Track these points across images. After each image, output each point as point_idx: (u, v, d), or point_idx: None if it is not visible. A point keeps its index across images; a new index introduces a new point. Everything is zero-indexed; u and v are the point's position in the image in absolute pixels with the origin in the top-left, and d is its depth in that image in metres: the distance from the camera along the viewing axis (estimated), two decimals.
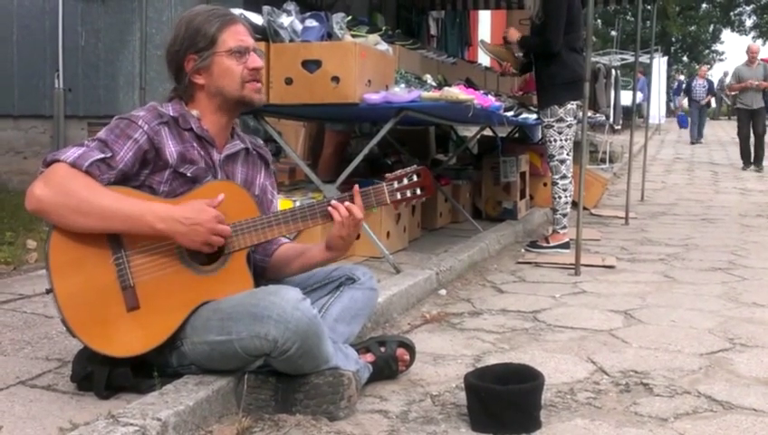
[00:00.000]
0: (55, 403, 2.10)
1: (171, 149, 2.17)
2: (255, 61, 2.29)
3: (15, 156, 7.89)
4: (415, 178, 2.32)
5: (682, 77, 30.19)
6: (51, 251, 2.06)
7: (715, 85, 21.78)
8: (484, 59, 9.55)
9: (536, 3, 5.07)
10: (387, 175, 2.33)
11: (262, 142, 2.57)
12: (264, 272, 2.45)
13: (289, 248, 2.45)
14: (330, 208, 2.25)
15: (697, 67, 39.03)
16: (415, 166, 2.36)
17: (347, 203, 2.26)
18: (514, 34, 5.34)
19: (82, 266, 2.06)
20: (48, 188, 2.01)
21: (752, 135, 12.88)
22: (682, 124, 22.68)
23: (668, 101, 32.06)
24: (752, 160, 12.96)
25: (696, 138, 19.19)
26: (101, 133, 2.12)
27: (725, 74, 13.91)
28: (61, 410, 2.04)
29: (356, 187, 2.31)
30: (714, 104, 23.89)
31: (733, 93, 13.70)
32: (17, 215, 5.15)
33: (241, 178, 2.38)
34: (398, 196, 2.32)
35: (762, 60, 13.21)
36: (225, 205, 2.18)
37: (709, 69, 23.82)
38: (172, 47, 2.27)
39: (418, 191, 2.33)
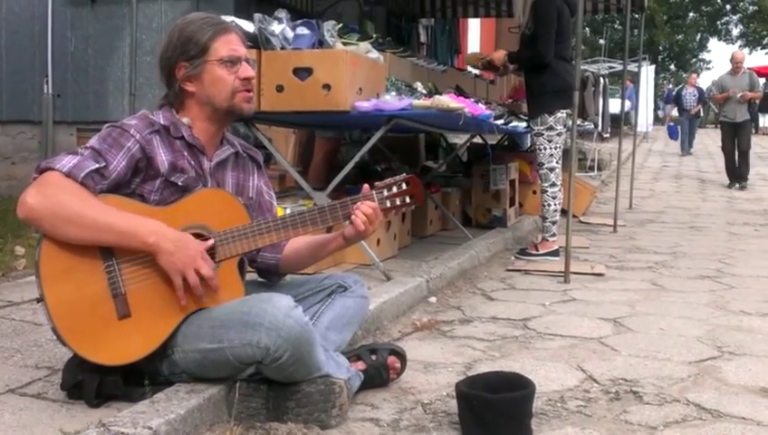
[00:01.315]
0: (45, 412, 2.09)
1: (162, 157, 2.17)
2: (247, 70, 2.28)
3: (3, 161, 7.86)
4: (404, 186, 2.33)
5: (671, 85, 29.49)
6: (41, 259, 2.04)
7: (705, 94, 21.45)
8: (472, 71, 9.58)
9: (526, 13, 5.10)
10: (376, 183, 2.34)
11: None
12: (277, 268, 2.46)
13: (298, 240, 2.44)
14: (355, 219, 2.26)
15: (685, 75, 38.99)
16: (404, 174, 2.37)
17: (363, 208, 2.27)
18: (499, 56, 5.37)
19: (73, 275, 2.05)
20: (41, 197, 2.00)
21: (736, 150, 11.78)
22: (672, 135, 20.76)
23: (656, 108, 32.08)
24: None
25: (687, 149, 18.36)
26: (94, 142, 2.11)
27: (714, 83, 12.68)
28: (51, 419, 2.03)
29: (366, 186, 2.33)
30: (702, 113, 23.10)
31: (716, 105, 12.55)
32: (5, 221, 5.13)
33: (232, 184, 2.37)
34: (388, 204, 2.32)
35: (749, 69, 12.47)
36: (214, 213, 2.18)
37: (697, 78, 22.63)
38: (165, 53, 2.27)
39: (408, 199, 2.34)
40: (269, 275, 2.49)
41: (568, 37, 5.13)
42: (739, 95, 11.35)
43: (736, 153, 11.69)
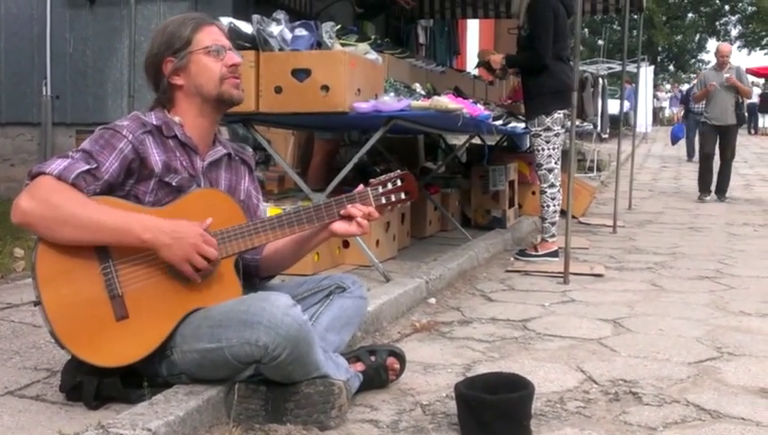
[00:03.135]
0: (44, 414, 2.09)
1: (156, 158, 2.17)
2: (233, 57, 2.30)
3: (2, 163, 7.86)
4: (399, 182, 2.34)
5: (685, 86, 27.09)
6: (37, 262, 2.05)
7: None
8: (472, 68, 9.58)
9: (523, 14, 5.09)
10: (371, 180, 2.35)
11: (251, 151, 2.58)
12: (258, 271, 2.44)
13: (278, 241, 2.42)
14: (357, 222, 2.26)
15: (684, 76, 38.66)
16: (398, 171, 2.37)
17: (359, 209, 2.27)
18: (497, 60, 5.34)
19: (70, 277, 2.05)
20: (34, 202, 2.00)
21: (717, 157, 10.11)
22: (676, 136, 18.23)
23: (656, 109, 31.81)
24: (711, 189, 10.24)
25: (694, 153, 16.20)
26: (86, 144, 2.12)
27: (698, 80, 10.74)
28: (50, 421, 2.03)
29: (361, 186, 2.33)
30: None
31: (697, 105, 10.87)
32: (4, 223, 5.12)
33: (225, 185, 2.38)
34: (383, 200, 2.33)
35: (750, 69, 11.40)
36: (210, 213, 2.17)
37: None
38: (150, 53, 2.29)
39: (403, 196, 2.35)
40: (250, 278, 2.45)
41: (565, 37, 5.13)
42: (726, 75, 9.78)
43: (714, 161, 10.14)
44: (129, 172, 2.14)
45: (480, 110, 4.65)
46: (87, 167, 2.06)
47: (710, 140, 10.10)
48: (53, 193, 2.01)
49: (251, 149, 2.60)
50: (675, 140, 18.29)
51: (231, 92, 2.29)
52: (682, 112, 17.90)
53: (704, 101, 10.34)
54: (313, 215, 2.26)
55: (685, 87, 23.52)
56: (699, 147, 10.29)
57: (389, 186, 2.33)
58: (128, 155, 2.12)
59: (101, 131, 2.16)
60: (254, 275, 2.45)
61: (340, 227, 2.30)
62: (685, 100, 17.69)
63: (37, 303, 2.05)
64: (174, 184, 2.19)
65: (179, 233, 2.07)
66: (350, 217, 2.28)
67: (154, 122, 2.22)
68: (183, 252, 2.07)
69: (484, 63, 5.58)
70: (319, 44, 4.00)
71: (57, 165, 2.04)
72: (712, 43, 46.72)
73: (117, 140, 2.13)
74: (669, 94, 32.16)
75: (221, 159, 2.38)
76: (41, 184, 2.02)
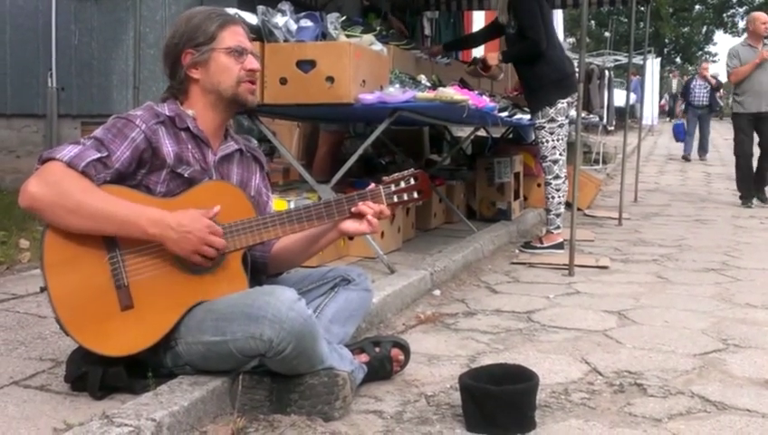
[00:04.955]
0: (49, 404, 2.09)
1: (168, 148, 2.17)
2: (253, 62, 2.30)
3: (8, 155, 7.88)
4: (412, 181, 2.31)
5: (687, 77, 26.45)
6: (45, 249, 2.05)
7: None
8: (466, 68, 9.55)
9: (505, 13, 5.05)
10: (384, 178, 2.33)
11: (255, 143, 2.57)
12: (266, 268, 2.44)
13: (287, 238, 2.40)
14: (367, 220, 2.25)
15: (691, 68, 38.42)
16: (412, 169, 2.35)
17: (370, 207, 2.26)
18: (493, 56, 5.28)
19: (77, 265, 2.06)
20: (42, 187, 2.00)
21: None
22: (678, 136, 16.72)
23: (663, 102, 31.65)
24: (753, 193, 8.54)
25: (701, 151, 15.42)
26: (98, 132, 2.12)
27: (729, 56, 9.07)
28: (54, 411, 2.04)
29: (373, 184, 2.31)
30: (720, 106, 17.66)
31: (734, 84, 8.56)
32: (10, 214, 5.13)
33: (236, 180, 2.37)
34: (395, 199, 2.31)
35: None
36: (221, 205, 2.17)
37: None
38: (171, 40, 2.28)
39: (415, 195, 2.32)
40: (257, 274, 2.43)
41: (552, 30, 5.11)
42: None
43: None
44: (140, 162, 2.14)
45: (485, 101, 4.64)
46: (98, 155, 2.06)
47: (747, 134, 8.35)
48: (62, 180, 2.01)
49: (255, 141, 2.59)
50: (679, 138, 17.64)
51: (245, 97, 2.30)
52: (682, 106, 16.94)
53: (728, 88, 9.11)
54: (323, 212, 2.25)
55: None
56: (735, 144, 8.53)
57: (402, 184, 2.31)
58: (140, 144, 2.12)
59: (114, 120, 2.16)
60: (261, 272, 2.45)
61: (350, 226, 2.28)
62: (684, 92, 16.48)
63: (44, 289, 2.05)
64: (186, 175, 2.19)
65: (185, 227, 2.06)
66: (360, 216, 2.27)
67: (167, 113, 2.22)
68: (190, 245, 2.07)
69: (478, 62, 5.49)
70: (324, 36, 3.99)
71: (68, 151, 2.04)
72: (719, 35, 46.50)
73: (129, 129, 2.13)
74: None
75: (233, 154, 2.38)
76: (50, 169, 2.02)
